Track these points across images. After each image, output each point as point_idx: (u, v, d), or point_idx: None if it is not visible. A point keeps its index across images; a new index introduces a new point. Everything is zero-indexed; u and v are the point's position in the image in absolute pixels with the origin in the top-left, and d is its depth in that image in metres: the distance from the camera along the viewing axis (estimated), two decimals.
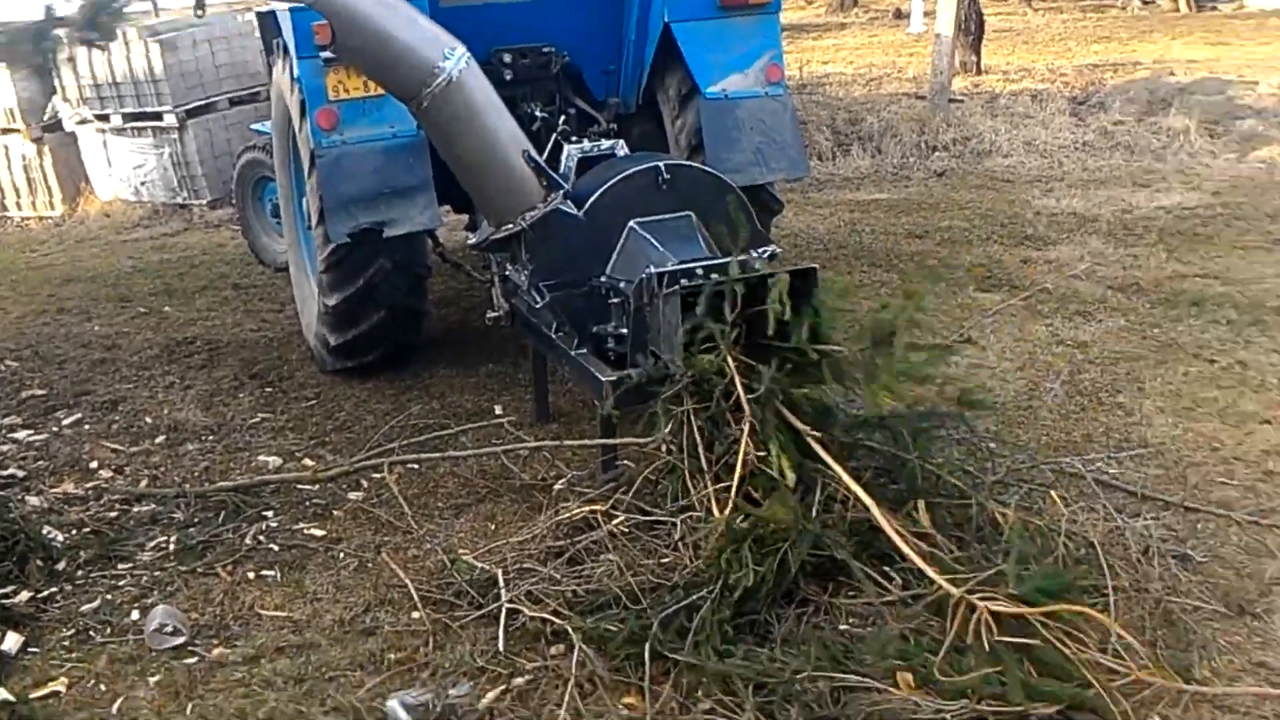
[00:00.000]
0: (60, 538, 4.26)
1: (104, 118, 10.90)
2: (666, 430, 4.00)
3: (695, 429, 3.95)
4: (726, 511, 3.68)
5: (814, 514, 3.67)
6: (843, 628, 3.45)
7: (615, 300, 4.70)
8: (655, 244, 4.75)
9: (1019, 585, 3.22)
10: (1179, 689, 3.12)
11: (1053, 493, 3.95)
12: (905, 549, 3.47)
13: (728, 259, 4.43)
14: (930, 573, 3.38)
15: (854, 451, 3.97)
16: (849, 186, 10.05)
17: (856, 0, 26.04)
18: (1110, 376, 5.34)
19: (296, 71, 5.36)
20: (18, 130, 11.26)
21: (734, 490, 3.71)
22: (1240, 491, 4.24)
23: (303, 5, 4.69)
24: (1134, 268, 7.03)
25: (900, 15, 22.73)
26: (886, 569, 3.56)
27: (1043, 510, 3.88)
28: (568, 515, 4.01)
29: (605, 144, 5.61)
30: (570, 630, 3.40)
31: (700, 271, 4.40)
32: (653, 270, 4.43)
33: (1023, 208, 8.74)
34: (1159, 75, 14.25)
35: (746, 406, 3.79)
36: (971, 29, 14.86)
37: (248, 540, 4.28)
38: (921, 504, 3.72)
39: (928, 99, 12.52)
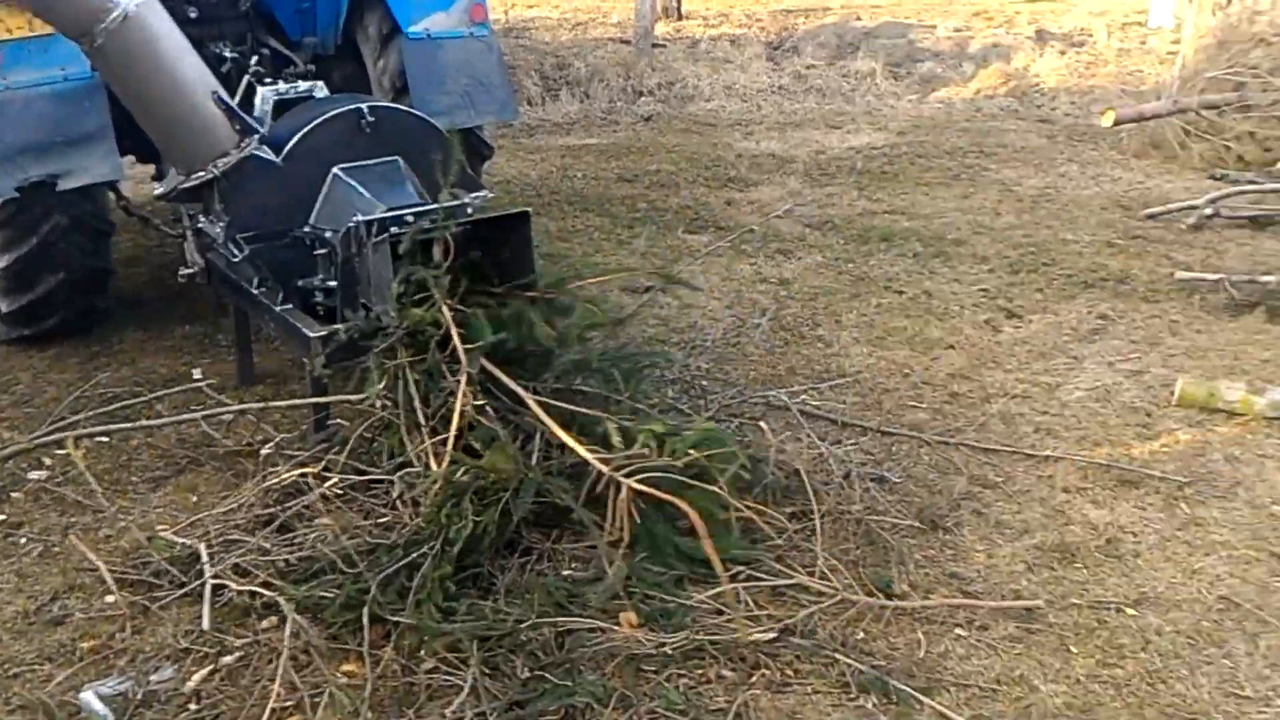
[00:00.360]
0: None
1: None
2: (381, 386, 3.87)
3: (411, 383, 3.84)
4: (445, 465, 3.60)
5: (534, 462, 3.65)
6: (566, 573, 3.46)
7: (321, 251, 4.50)
8: (361, 191, 4.57)
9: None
10: (881, 605, 3.30)
11: (761, 424, 4.08)
12: (562, 435, 3.51)
13: (438, 205, 4.32)
14: (580, 450, 3.44)
15: (570, 397, 3.97)
16: (559, 132, 10.04)
17: None
18: (810, 311, 5.57)
19: None
20: None
21: (451, 443, 3.64)
22: (929, 414, 4.52)
23: None
24: (829, 206, 7.37)
25: None
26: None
27: (752, 442, 4.00)
28: (277, 481, 3.81)
29: (303, 86, 5.33)
30: (281, 601, 3.25)
31: (411, 218, 4.28)
32: (360, 218, 4.26)
33: (725, 151, 8.98)
34: (846, 20, 14.95)
35: (463, 357, 3.70)
36: None
37: None
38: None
39: (632, 44, 12.66)
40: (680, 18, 15.46)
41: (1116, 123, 8.49)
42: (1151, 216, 6.98)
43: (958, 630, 3.25)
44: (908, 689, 2.98)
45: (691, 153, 8.92)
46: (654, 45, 12.70)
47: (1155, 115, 8.63)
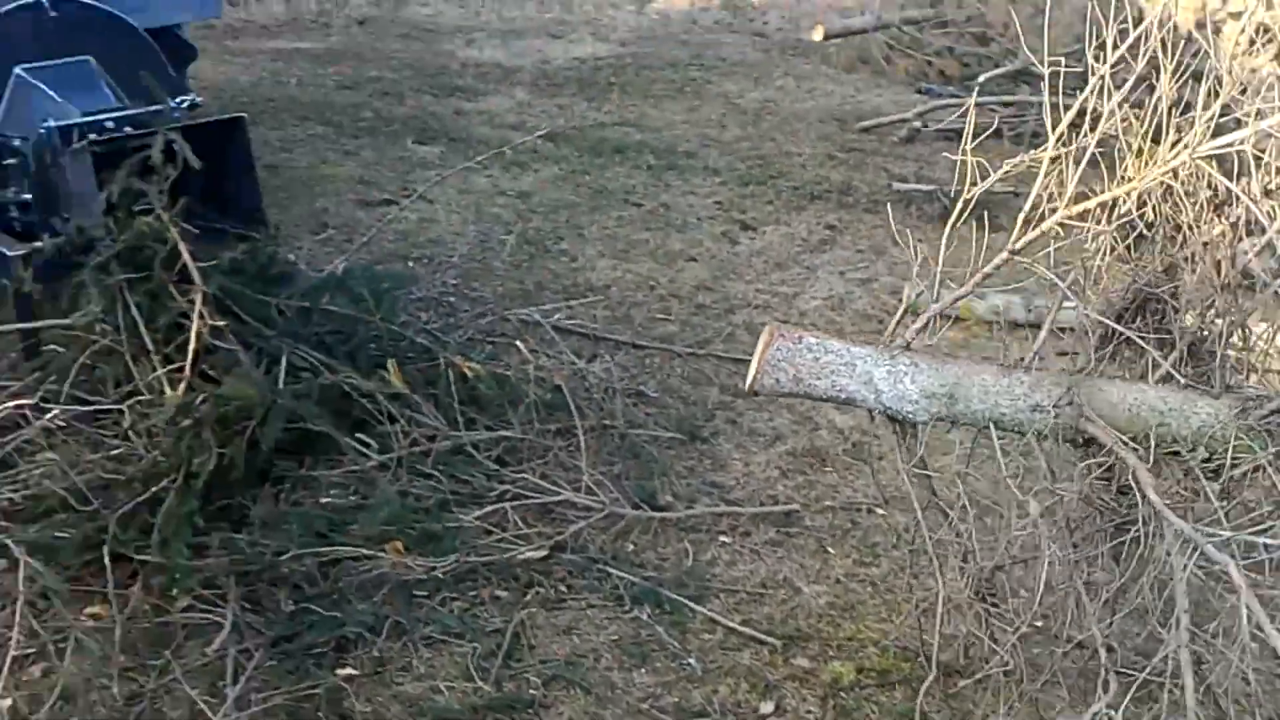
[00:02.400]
0: None
1: None
2: (97, 308, 3.54)
3: (133, 305, 3.53)
4: (181, 392, 3.34)
5: (281, 386, 3.44)
6: (324, 500, 3.30)
7: (10, 161, 4.05)
8: (51, 94, 4.12)
9: None
10: (648, 518, 3.34)
11: (518, 343, 4.02)
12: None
13: (142, 110, 3.97)
14: None
15: (313, 316, 3.77)
16: (266, 35, 9.44)
17: None
18: (552, 224, 5.52)
19: None
20: None
21: (189, 369, 3.38)
22: (679, 327, 4.60)
23: None
24: (559, 117, 7.30)
25: None
26: (362, 436, 3.45)
27: (510, 363, 3.94)
28: None
29: None
30: (10, 544, 2.95)
31: (111, 124, 3.90)
32: (53, 124, 3.85)
33: (448, 59, 8.71)
34: None
35: (196, 275, 3.43)
36: None
37: None
38: (392, 364, 3.62)
39: None
40: None
41: (825, 37, 8.83)
42: (865, 130, 7.31)
43: (722, 538, 3.35)
44: (680, 598, 3.04)
45: (413, 60, 8.60)
46: None
47: (861, 30, 9.03)
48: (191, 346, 3.39)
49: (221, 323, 3.45)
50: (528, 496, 3.32)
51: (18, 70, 4.12)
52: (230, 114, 3.92)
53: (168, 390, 3.38)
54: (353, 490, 3.35)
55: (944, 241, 2.68)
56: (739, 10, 11.13)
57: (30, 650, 2.74)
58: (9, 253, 3.78)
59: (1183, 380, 2.50)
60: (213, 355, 3.46)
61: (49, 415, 3.39)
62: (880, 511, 3.47)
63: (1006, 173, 2.69)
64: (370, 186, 5.83)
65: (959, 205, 2.68)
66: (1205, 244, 2.54)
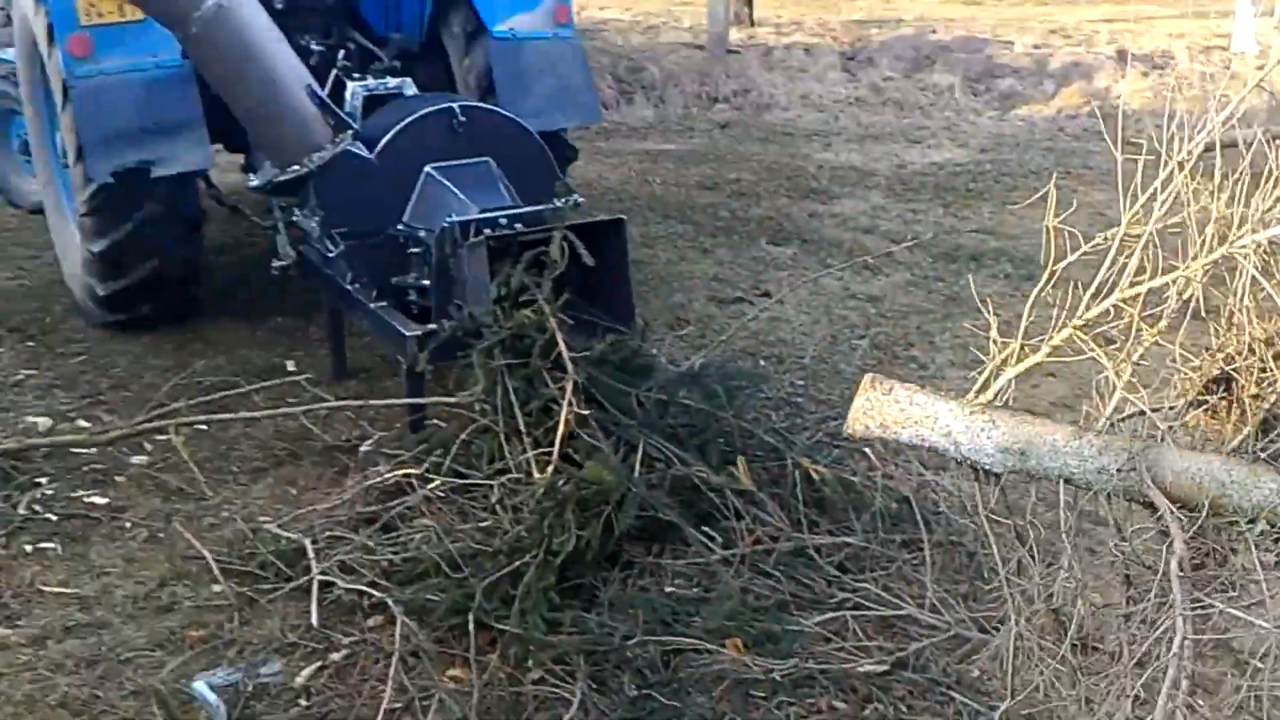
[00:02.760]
0: None
1: None
2: (480, 389, 3.85)
3: (511, 388, 3.82)
4: (548, 474, 3.58)
5: (636, 475, 3.61)
6: (669, 589, 3.42)
7: (415, 250, 4.51)
8: (455, 191, 4.57)
9: None
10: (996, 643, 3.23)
11: (865, 449, 4.03)
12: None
13: (534, 209, 4.32)
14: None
15: (669, 409, 3.94)
16: (635, 136, 10.03)
17: None
18: (902, 330, 5.52)
19: None
20: None
21: (556, 452, 3.61)
22: None
23: None
24: (914, 223, 7.30)
25: None
26: (708, 529, 3.56)
27: (856, 468, 3.95)
28: (379, 480, 3.81)
29: (392, 82, 5.35)
30: (390, 602, 3.24)
31: (505, 220, 4.27)
32: (455, 219, 4.26)
33: (805, 161, 8.93)
34: (921, 33, 14.86)
35: (570, 365, 3.68)
36: None
37: (20, 510, 3.89)
38: (741, 461, 3.72)
39: (706, 50, 12.64)
40: (752, 24, 15.41)
41: (1208, 149, 8.35)
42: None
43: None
44: None
45: (770, 162, 8.88)
46: (728, 52, 12.67)
47: (1250, 142, 8.48)
48: (560, 431, 3.64)
49: (586, 410, 3.68)
50: (869, 607, 3.30)
51: (427, 169, 4.60)
52: (612, 215, 4.18)
53: (535, 470, 3.64)
54: (696, 582, 3.46)
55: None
56: (1109, 118, 10.77)
57: (398, 705, 2.96)
58: (406, 333, 4.20)
59: (1252, 453, 2.53)
60: (576, 440, 3.69)
61: (430, 485, 3.73)
62: None
63: (1084, 251, 2.98)
64: (725, 284, 6.05)
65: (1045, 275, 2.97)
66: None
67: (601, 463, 3.57)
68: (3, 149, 7.73)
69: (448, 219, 4.27)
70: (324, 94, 4.74)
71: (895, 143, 9.66)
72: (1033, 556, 2.80)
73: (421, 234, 4.46)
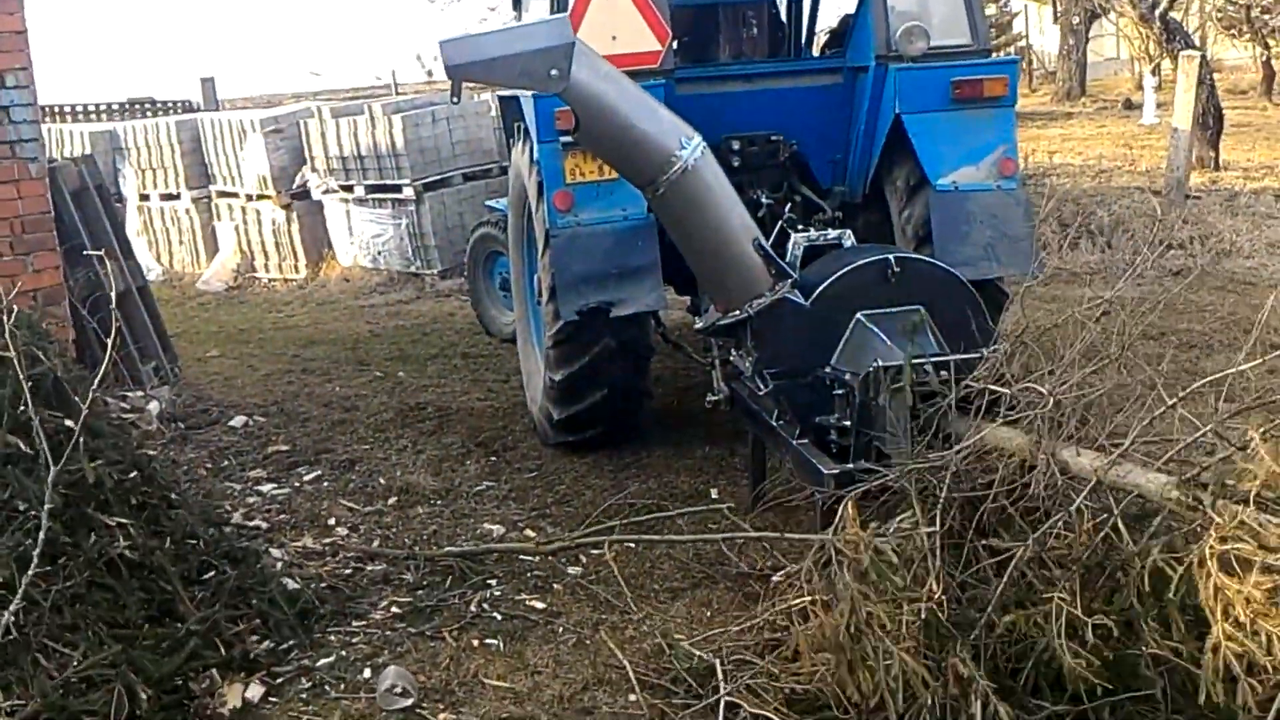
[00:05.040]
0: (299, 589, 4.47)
1: (348, 188, 11.57)
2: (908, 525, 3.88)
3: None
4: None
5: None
6: None
7: (839, 392, 4.67)
8: (883, 337, 4.72)
9: None
10: None
11: None
12: None
13: (960, 356, 4.37)
14: None
15: None
16: (1077, 282, 9.72)
17: (1084, 89, 25.45)
18: None
19: (536, 154, 5.59)
20: (269, 197, 12.04)
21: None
22: None
23: (548, 93, 4.86)
24: None
25: (1130, 106, 22.12)
26: None
27: None
28: (785, 606, 3.94)
29: (832, 234, 5.63)
30: None
31: (929, 368, 4.35)
32: (879, 363, 4.40)
33: (1270, 314, 8.25)
34: None
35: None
36: (1210, 123, 14.31)
37: (472, 607, 4.40)
38: None
39: (1163, 194, 12.08)
40: (1218, 168, 14.54)
41: None
42: None
43: None
44: None
45: (1228, 313, 8.30)
46: (1186, 196, 12.04)
47: None
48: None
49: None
50: None
51: (859, 315, 4.79)
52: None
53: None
54: None
55: None
56: None
57: None
58: (824, 470, 4.36)
59: None
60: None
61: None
62: None
63: None
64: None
65: None
66: None
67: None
68: (486, 286, 8.86)
69: (874, 364, 4.43)
70: (768, 245, 5.07)
71: None
72: None
73: (847, 377, 4.62)
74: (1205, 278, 9.58)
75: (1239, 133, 17.14)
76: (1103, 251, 10.69)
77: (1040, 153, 15.93)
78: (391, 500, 5.57)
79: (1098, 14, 23.84)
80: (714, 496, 5.37)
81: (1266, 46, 22.22)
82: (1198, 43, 18.46)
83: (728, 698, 3.55)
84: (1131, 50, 23.60)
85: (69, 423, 4.03)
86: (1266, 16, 21.66)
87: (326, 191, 11.75)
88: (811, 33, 7.31)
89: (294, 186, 11.97)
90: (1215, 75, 15.79)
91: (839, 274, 4.90)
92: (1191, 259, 10.27)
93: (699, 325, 5.70)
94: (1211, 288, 9.23)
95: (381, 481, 5.82)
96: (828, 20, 7.26)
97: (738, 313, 5.02)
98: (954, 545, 3.71)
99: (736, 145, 6.06)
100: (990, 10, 25.49)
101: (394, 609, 4.39)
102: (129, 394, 6.87)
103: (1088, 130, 19.46)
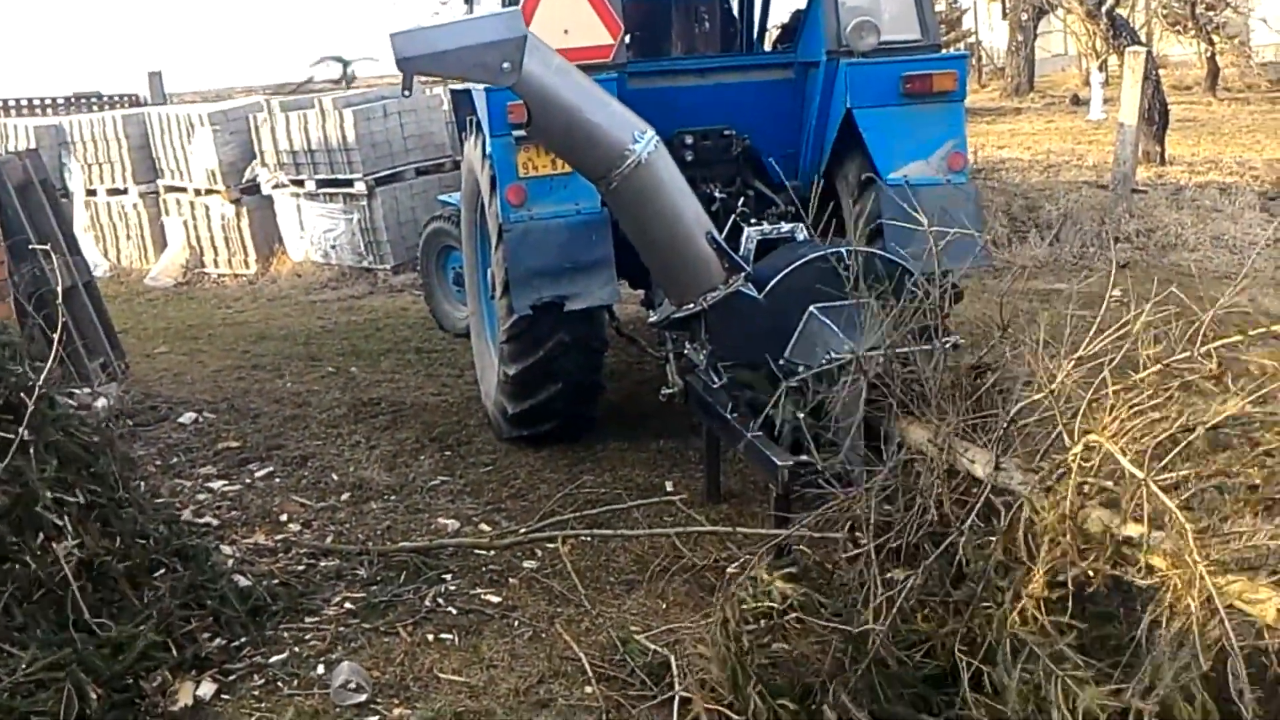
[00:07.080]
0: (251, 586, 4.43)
1: (299, 183, 11.46)
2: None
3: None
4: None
5: None
6: None
7: (793, 385, 4.70)
8: (835, 330, 4.75)
9: None
10: None
11: None
12: None
13: (912, 349, 4.40)
14: None
15: None
16: (1026, 275, 9.85)
17: (1032, 85, 25.74)
18: None
19: (489, 148, 5.56)
20: (218, 191, 11.90)
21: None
22: None
23: (499, 86, 4.84)
24: None
25: (1078, 101, 22.38)
26: None
27: None
28: (747, 608, 3.94)
29: (785, 227, 5.66)
30: None
31: (881, 360, 4.38)
32: (832, 356, 4.43)
33: (1208, 305, 8.40)
34: None
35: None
36: (1155, 118, 14.50)
37: (427, 602, 4.39)
38: None
39: (1110, 188, 12.24)
40: (1164, 163, 14.75)
41: None
42: None
43: None
44: None
45: (1173, 304, 8.44)
46: (1133, 190, 12.21)
47: None
48: None
49: None
50: None
51: (812, 308, 4.82)
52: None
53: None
54: None
55: None
56: None
57: None
58: (779, 462, 4.38)
59: None
60: None
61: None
62: None
63: None
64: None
65: None
66: None
67: None
68: (439, 280, 8.82)
69: (825, 357, 4.45)
70: (721, 238, 5.08)
71: None
72: None
73: (800, 370, 4.66)
74: (1151, 270, 9.74)
75: (1184, 128, 17.40)
76: (1050, 245, 10.82)
77: (989, 147, 16.10)
78: (345, 496, 5.54)
79: (1045, 10, 24.14)
80: (669, 489, 5.39)
81: (1211, 43, 22.55)
82: (1144, 39, 18.71)
83: (682, 693, 3.55)
84: (1079, 46, 23.86)
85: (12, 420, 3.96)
86: (1210, 13, 22.01)
87: (277, 186, 11.63)
88: (763, 28, 7.35)
89: (243, 181, 11.84)
90: (1161, 71, 15.99)
91: (792, 267, 4.93)
92: (1137, 252, 10.43)
93: (653, 319, 5.71)
94: (1160, 280, 9.34)
95: (334, 477, 5.79)
96: (779, 15, 7.30)
97: (691, 306, 5.04)
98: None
99: (689, 139, 6.07)
100: (940, 6, 25.72)
101: (347, 605, 4.37)
102: (76, 391, 6.76)
103: (1036, 125, 19.68)
